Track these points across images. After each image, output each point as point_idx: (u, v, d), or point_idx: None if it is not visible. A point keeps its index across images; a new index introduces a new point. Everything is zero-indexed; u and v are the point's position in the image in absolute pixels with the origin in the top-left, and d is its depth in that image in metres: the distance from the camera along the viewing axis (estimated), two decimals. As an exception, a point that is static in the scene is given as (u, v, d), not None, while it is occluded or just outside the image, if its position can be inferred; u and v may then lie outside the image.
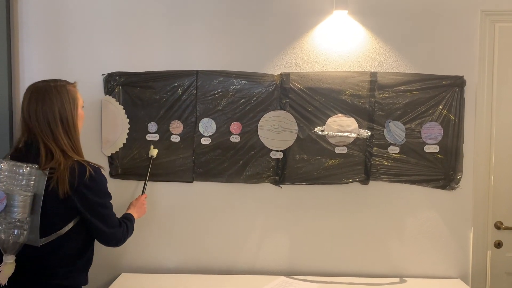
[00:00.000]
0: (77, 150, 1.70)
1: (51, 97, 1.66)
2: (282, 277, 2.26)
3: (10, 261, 1.60)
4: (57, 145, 1.65)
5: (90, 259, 1.80)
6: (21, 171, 1.58)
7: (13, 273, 1.62)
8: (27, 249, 1.63)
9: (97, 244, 2.28)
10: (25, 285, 1.67)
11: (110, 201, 1.76)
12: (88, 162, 1.69)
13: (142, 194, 2.18)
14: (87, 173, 1.63)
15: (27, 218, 1.59)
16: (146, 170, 2.24)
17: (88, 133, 2.27)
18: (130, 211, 2.04)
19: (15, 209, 1.56)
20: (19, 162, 1.59)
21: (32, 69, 2.29)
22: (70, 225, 1.67)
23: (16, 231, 1.58)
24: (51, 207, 1.62)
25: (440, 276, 2.32)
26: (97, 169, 1.69)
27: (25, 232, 1.60)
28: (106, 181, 1.74)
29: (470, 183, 2.30)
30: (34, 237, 1.62)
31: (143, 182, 2.22)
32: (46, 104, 1.66)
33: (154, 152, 2.26)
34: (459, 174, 2.28)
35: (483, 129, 2.28)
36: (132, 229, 1.93)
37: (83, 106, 1.79)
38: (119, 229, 1.79)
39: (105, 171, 1.86)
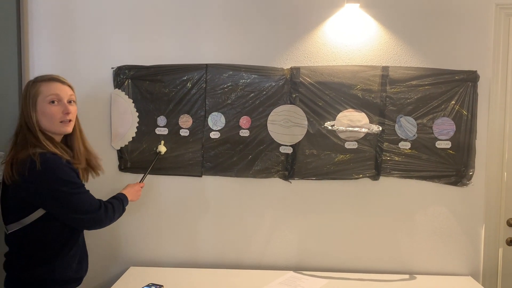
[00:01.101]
0: (38, 143, 1.67)
1: (22, 93, 1.76)
2: (291, 272, 2.26)
3: None
4: (16, 135, 1.72)
5: (61, 251, 1.73)
6: None
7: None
8: (6, 238, 1.73)
9: (104, 237, 2.30)
10: (6, 279, 1.75)
11: (79, 187, 1.71)
12: (44, 153, 1.65)
13: (140, 182, 2.19)
14: (35, 166, 1.61)
15: None
16: (150, 163, 2.23)
17: (97, 126, 2.28)
18: (124, 191, 2.04)
19: None
20: None
21: (42, 64, 2.29)
22: (35, 215, 1.66)
23: None
24: (10, 195, 1.68)
25: (451, 273, 2.30)
26: (50, 160, 1.64)
27: None
28: (67, 169, 1.68)
29: (483, 179, 2.27)
30: (2, 224, 1.69)
31: (147, 173, 2.22)
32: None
33: (162, 148, 2.26)
34: (471, 170, 2.25)
35: (496, 125, 2.25)
36: (122, 208, 1.93)
37: (54, 101, 1.71)
38: (98, 212, 1.75)
39: (63, 160, 1.75)
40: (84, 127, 2.21)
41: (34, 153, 1.63)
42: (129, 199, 2.02)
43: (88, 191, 1.77)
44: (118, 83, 2.28)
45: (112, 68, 2.28)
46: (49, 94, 1.71)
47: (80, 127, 1.86)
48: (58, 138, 1.78)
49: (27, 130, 1.69)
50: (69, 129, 1.77)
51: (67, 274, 1.75)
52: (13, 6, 2.21)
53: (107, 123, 2.30)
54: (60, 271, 1.73)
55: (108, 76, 2.29)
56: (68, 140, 1.83)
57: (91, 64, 2.28)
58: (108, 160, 2.27)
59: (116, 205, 1.88)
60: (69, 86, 1.79)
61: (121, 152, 2.30)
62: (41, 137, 1.68)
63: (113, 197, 1.96)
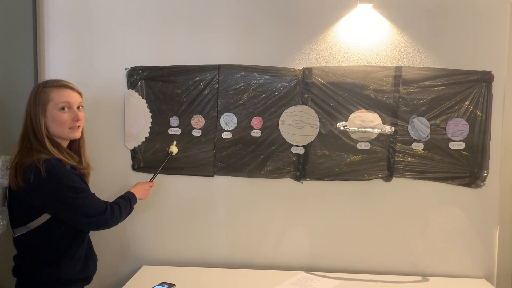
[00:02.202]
0: (44, 148, 1.69)
1: (29, 98, 1.75)
2: (303, 273, 2.26)
3: None
4: (23, 140, 1.72)
5: (66, 252, 1.75)
6: None
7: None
8: (14, 241, 1.75)
9: (117, 236, 2.33)
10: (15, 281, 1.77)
11: (84, 191, 1.73)
12: (49, 159, 1.66)
13: (150, 181, 2.21)
14: (40, 173, 1.62)
15: (2, 208, 1.70)
16: (161, 162, 2.25)
17: (111, 126, 2.31)
18: (133, 190, 2.06)
19: None
20: None
21: (58, 65, 2.32)
22: (41, 219, 1.68)
23: None
24: (16, 200, 1.69)
25: (464, 276, 2.28)
26: (55, 166, 1.66)
27: (1, 222, 1.70)
28: (72, 174, 1.70)
29: (497, 181, 2.24)
30: (8, 228, 1.71)
31: (159, 173, 2.24)
32: (26, 105, 1.76)
33: (174, 149, 2.27)
34: (485, 171, 2.23)
35: (511, 126, 2.22)
36: (130, 207, 1.94)
37: (64, 108, 1.74)
38: (104, 215, 1.76)
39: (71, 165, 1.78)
40: (98, 127, 2.25)
41: (39, 159, 1.64)
42: (137, 197, 2.04)
43: (93, 194, 1.79)
44: (131, 84, 2.30)
45: (126, 69, 2.31)
46: (60, 101, 1.73)
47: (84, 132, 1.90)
48: (64, 143, 1.80)
49: (33, 136, 1.70)
50: (77, 134, 1.80)
51: (73, 274, 1.77)
52: (29, 7, 2.25)
53: (120, 123, 2.32)
54: (66, 272, 1.75)
55: (121, 77, 2.31)
56: (73, 144, 1.86)
57: (105, 65, 2.31)
58: (121, 160, 2.30)
59: (123, 205, 1.89)
60: (79, 92, 1.82)
61: (134, 152, 2.33)
62: (47, 143, 1.70)
63: (121, 197, 1.97)
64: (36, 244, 1.71)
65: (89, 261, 1.87)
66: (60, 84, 1.77)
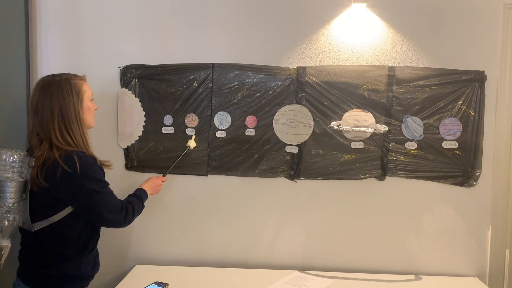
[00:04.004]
0: (77, 142, 1.71)
1: (52, 90, 1.70)
2: (296, 272, 2.26)
3: (5, 243, 1.70)
4: (47, 136, 1.69)
5: (86, 248, 1.78)
6: (5, 157, 1.66)
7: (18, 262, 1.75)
8: (27, 235, 1.73)
9: (111, 236, 2.31)
10: (24, 274, 1.76)
11: (106, 186, 1.75)
12: (83, 152, 1.70)
13: (163, 176, 2.19)
14: (73, 165, 1.64)
15: (19, 202, 1.69)
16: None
17: (104, 125, 2.29)
18: (144, 186, 2.06)
19: (8, 195, 1.66)
20: (5, 149, 1.68)
21: (50, 62, 2.30)
22: (64, 212, 1.69)
23: (11, 217, 1.67)
24: (39, 195, 1.68)
25: (457, 274, 2.29)
26: (87, 159, 1.69)
27: (17, 217, 1.68)
28: (98, 168, 1.74)
29: (489, 180, 2.25)
30: (27, 222, 1.70)
31: (172, 167, 2.21)
32: (46, 98, 1.69)
33: (192, 143, 2.25)
34: (478, 171, 2.24)
35: (503, 125, 2.24)
36: (142, 206, 1.95)
37: (92, 99, 1.83)
38: (120, 214, 1.78)
39: (117, 163, 1.86)
40: (91, 126, 2.23)
41: (71, 152, 1.66)
42: (148, 193, 2.05)
43: (112, 191, 1.80)
44: (125, 82, 2.29)
45: (119, 67, 2.29)
46: (91, 93, 1.82)
47: None
48: None
49: (66, 129, 1.69)
50: (93, 124, 1.88)
51: (88, 270, 1.80)
52: (22, 5, 2.23)
53: (113, 122, 2.31)
54: (84, 267, 1.77)
55: (115, 75, 2.30)
56: None
57: (98, 63, 2.30)
58: (114, 159, 2.28)
59: (136, 206, 1.90)
60: None
61: (127, 151, 2.32)
62: (86, 135, 1.76)
63: (134, 195, 1.97)
64: (57, 238, 1.71)
65: (97, 257, 1.88)
66: (84, 77, 1.82)
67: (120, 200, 1.82)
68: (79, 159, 1.66)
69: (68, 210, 1.70)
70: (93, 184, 1.69)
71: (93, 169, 1.70)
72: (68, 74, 1.78)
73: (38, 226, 1.70)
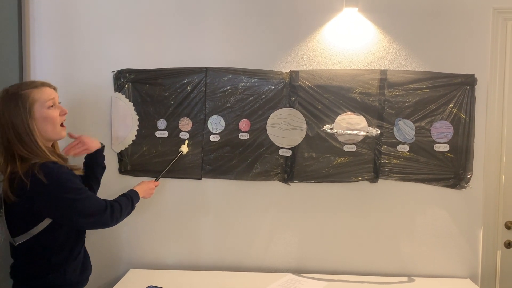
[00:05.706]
0: (35, 153, 1.65)
1: (5, 103, 1.65)
2: (290, 275, 2.27)
3: None
4: (7, 151, 1.65)
5: (71, 254, 1.76)
6: None
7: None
8: (12, 250, 1.72)
9: (104, 240, 2.31)
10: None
11: (84, 192, 1.70)
12: (45, 163, 1.62)
13: (156, 180, 2.19)
14: (39, 178, 1.58)
15: None
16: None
17: (97, 129, 2.29)
18: (136, 188, 2.03)
19: None
20: None
21: (43, 67, 2.30)
22: (44, 224, 1.66)
23: None
24: (15, 209, 1.64)
25: (449, 276, 2.31)
26: (54, 169, 1.63)
27: None
28: (70, 176, 1.67)
29: (481, 182, 2.28)
30: (8, 237, 1.68)
31: (164, 172, 2.21)
32: (0, 111, 1.65)
33: (184, 148, 2.25)
34: (469, 173, 2.26)
35: (494, 128, 2.26)
36: (131, 205, 1.91)
37: (52, 105, 1.71)
38: (104, 215, 1.74)
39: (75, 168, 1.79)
40: (85, 130, 2.23)
41: (33, 165, 1.60)
42: (140, 196, 2.01)
43: (93, 193, 1.77)
44: (118, 87, 2.29)
45: (113, 71, 2.30)
46: (47, 99, 1.70)
47: None
48: (49, 145, 1.76)
49: (19, 143, 1.64)
50: (64, 134, 1.78)
51: (76, 275, 1.78)
52: (15, 9, 2.23)
53: (107, 126, 2.31)
54: (71, 274, 1.75)
55: (108, 80, 2.30)
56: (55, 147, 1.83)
57: (91, 68, 2.30)
58: (108, 163, 2.27)
59: (124, 204, 1.86)
60: (55, 88, 1.78)
61: (121, 155, 2.32)
62: (42, 146, 1.66)
63: (123, 194, 1.94)
64: (40, 249, 1.69)
65: (86, 261, 1.87)
66: (40, 83, 1.72)
67: (103, 200, 1.77)
68: (50, 170, 1.61)
69: (47, 221, 1.67)
70: (71, 194, 1.64)
71: (64, 178, 1.64)
72: (19, 85, 1.71)
73: (20, 240, 1.67)
